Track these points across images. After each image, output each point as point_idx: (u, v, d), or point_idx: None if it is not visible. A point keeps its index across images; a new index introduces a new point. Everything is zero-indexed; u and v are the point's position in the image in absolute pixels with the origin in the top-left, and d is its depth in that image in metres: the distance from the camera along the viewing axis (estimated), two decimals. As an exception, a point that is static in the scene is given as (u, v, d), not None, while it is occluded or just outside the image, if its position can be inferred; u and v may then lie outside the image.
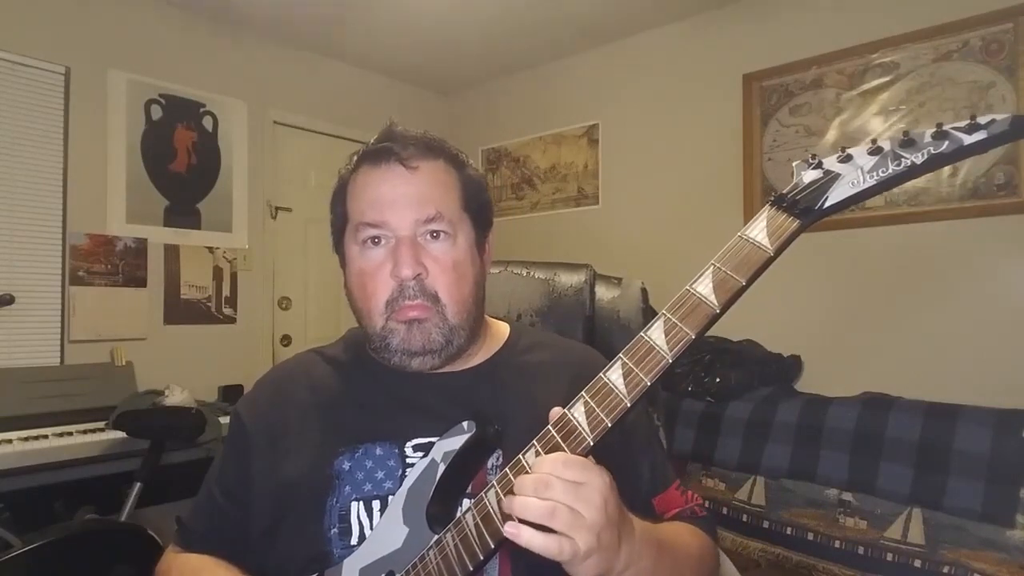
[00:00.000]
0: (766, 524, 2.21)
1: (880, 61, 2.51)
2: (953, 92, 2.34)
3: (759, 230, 0.57)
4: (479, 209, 0.82)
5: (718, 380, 2.50)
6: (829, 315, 2.59)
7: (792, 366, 2.64)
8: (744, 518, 2.26)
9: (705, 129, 3.00)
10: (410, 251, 0.74)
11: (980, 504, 1.83)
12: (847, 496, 2.06)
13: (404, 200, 0.75)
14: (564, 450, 0.59)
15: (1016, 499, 1.79)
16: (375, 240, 0.76)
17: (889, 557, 1.96)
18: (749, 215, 2.78)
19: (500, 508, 0.59)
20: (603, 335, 1.08)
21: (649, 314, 1.10)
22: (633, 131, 3.28)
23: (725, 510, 2.31)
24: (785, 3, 2.78)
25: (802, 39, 2.71)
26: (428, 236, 0.76)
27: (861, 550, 2.01)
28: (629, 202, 3.29)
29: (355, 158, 0.81)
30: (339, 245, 0.82)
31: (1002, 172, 2.24)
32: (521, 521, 0.56)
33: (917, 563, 1.90)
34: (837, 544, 2.06)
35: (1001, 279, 2.24)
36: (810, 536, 2.12)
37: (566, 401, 0.61)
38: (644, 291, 1.10)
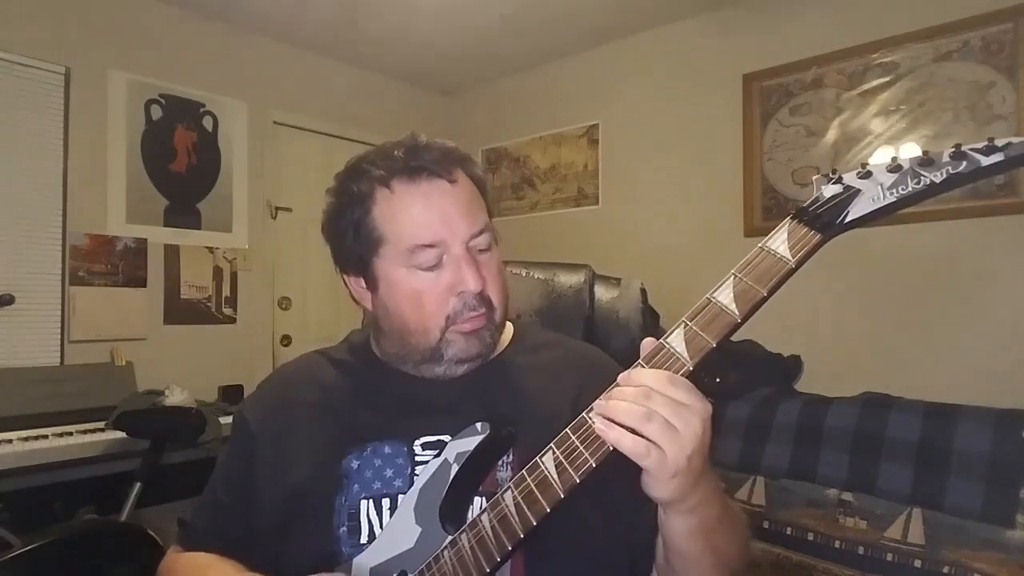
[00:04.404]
0: (766, 524, 2.21)
1: (880, 61, 2.50)
2: (953, 92, 2.34)
3: (780, 242, 0.58)
4: (490, 207, 0.82)
5: (718, 380, 2.49)
6: (829, 315, 2.58)
7: (792, 366, 2.64)
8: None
9: (705, 129, 3.00)
10: (472, 265, 0.74)
11: (980, 504, 1.83)
12: (847, 496, 2.06)
13: (455, 215, 0.75)
14: (584, 454, 0.58)
15: (1016, 499, 1.79)
16: (431, 259, 0.75)
17: (889, 557, 1.95)
18: (749, 215, 2.83)
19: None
20: (602, 335, 1.08)
21: (649, 314, 1.10)
22: (633, 131, 3.28)
23: (725, 510, 2.31)
24: (785, 3, 2.78)
25: (802, 39, 2.70)
26: (479, 249, 0.77)
27: (861, 550, 2.01)
28: (629, 202, 3.29)
29: (363, 175, 0.77)
30: (364, 267, 0.79)
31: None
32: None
33: (917, 563, 1.90)
34: (837, 544, 2.06)
35: (1001, 279, 2.24)
36: (810, 536, 2.11)
37: (574, 399, 0.61)
38: (643, 291, 1.10)
